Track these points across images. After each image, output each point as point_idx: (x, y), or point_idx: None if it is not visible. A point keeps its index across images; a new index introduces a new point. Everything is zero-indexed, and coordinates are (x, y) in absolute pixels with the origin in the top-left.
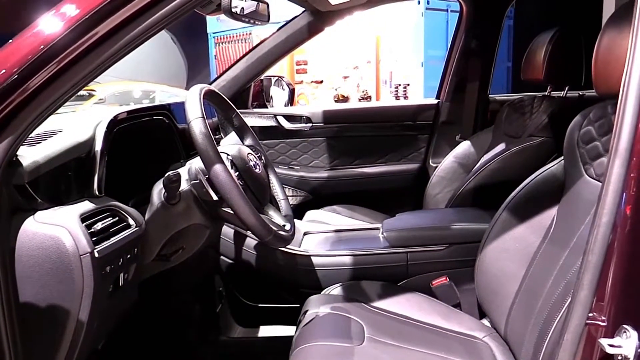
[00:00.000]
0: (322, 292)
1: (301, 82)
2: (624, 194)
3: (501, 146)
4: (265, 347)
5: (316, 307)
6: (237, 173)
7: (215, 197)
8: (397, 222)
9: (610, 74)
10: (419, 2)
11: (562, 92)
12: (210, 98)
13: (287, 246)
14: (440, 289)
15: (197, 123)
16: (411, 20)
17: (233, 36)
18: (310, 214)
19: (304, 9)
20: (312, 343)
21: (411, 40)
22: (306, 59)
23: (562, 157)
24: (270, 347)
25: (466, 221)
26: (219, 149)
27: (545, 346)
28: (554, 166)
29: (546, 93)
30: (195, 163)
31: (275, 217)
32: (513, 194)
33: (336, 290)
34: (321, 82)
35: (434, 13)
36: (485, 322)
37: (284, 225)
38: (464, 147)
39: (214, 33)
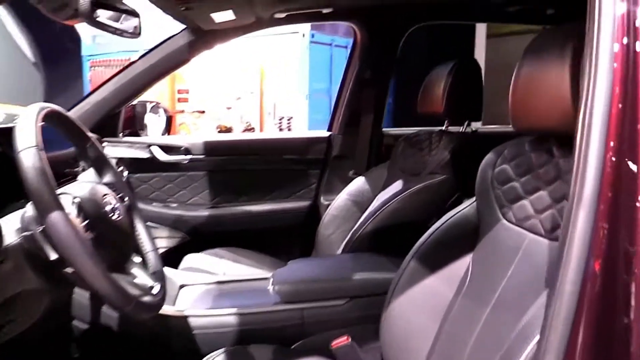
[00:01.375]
0: None
1: (182, 111)
2: (590, 253)
3: (398, 184)
4: None
5: None
6: (86, 222)
7: (53, 256)
8: (289, 272)
9: (530, 109)
10: (303, 35)
11: (461, 127)
12: (54, 122)
13: None
14: (342, 350)
15: (28, 154)
16: (296, 52)
17: (110, 60)
18: (189, 259)
19: (184, 27)
20: None
21: (296, 72)
22: (188, 88)
23: (475, 199)
24: None
25: (368, 270)
26: (63, 189)
27: None
28: (466, 208)
29: (443, 128)
30: (31, 208)
31: (140, 277)
32: (422, 240)
33: (219, 357)
34: (203, 112)
35: (318, 47)
36: None
37: (151, 287)
38: (358, 183)
39: (88, 56)
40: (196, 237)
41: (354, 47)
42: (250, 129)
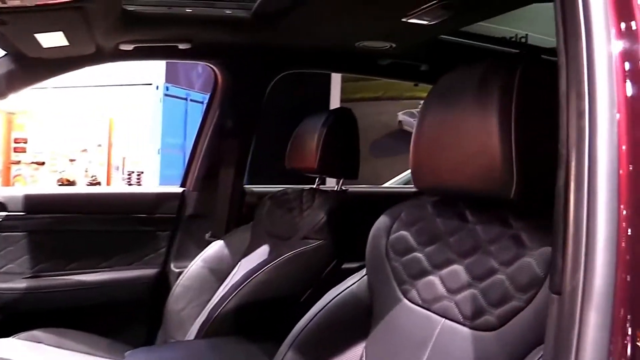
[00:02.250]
0: None
1: (19, 162)
2: None
3: (265, 250)
4: None
5: None
6: None
7: None
8: None
9: (439, 164)
10: (157, 87)
11: (336, 186)
12: None
13: None
14: None
15: None
16: (148, 105)
17: None
18: None
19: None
20: None
21: (148, 126)
22: (26, 137)
23: (364, 272)
24: None
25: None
26: None
27: None
28: (355, 284)
29: (314, 186)
30: None
31: None
32: (300, 325)
33: None
34: (43, 163)
35: (172, 100)
36: None
37: None
38: (216, 248)
39: None
40: (8, 317)
41: (214, 91)
42: (96, 184)
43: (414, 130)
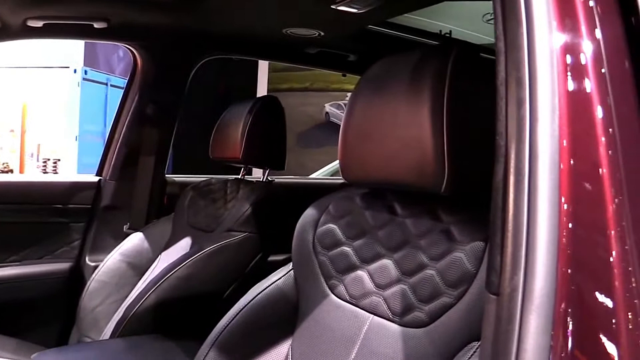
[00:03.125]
0: None
1: None
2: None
3: (187, 242)
4: None
5: None
6: None
7: None
8: None
9: (368, 155)
10: (75, 71)
11: (262, 176)
12: None
13: None
14: None
15: None
16: (65, 89)
17: None
18: None
19: None
20: None
21: (64, 111)
22: None
23: (290, 266)
24: None
25: None
26: None
27: None
28: (281, 279)
29: (239, 176)
30: None
31: None
32: (223, 322)
33: None
34: None
35: (91, 85)
36: None
37: None
38: (135, 240)
39: None
40: None
41: (133, 75)
42: (8, 171)
43: (342, 121)
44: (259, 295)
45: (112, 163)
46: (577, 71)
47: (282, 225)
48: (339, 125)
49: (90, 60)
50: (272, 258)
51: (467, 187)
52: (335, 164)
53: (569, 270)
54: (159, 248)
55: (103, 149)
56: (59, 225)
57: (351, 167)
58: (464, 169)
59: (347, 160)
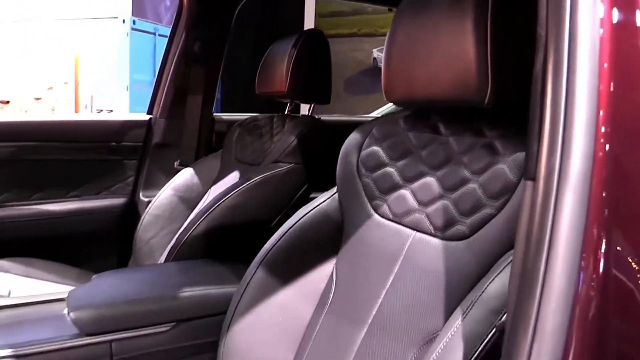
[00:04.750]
0: None
1: None
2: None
3: (235, 175)
4: None
5: None
6: None
7: None
8: (91, 292)
9: (413, 74)
10: (123, 21)
11: (308, 110)
12: None
13: None
14: None
15: None
16: (115, 40)
17: None
18: None
19: None
20: None
21: (115, 62)
22: None
23: (335, 190)
24: None
25: (201, 284)
26: None
27: None
28: (325, 202)
29: (286, 112)
30: None
31: None
32: (269, 243)
33: None
34: (7, 102)
35: (140, 35)
36: None
37: None
38: (185, 176)
39: None
40: None
41: (179, 13)
42: None
43: (385, 43)
44: (303, 218)
45: (162, 102)
46: None
47: (327, 159)
48: None
49: (138, 10)
50: (315, 195)
51: (510, 98)
52: (383, 108)
53: (606, 152)
54: (208, 183)
55: (152, 88)
56: (113, 163)
57: (395, 88)
58: (507, 80)
59: (391, 82)
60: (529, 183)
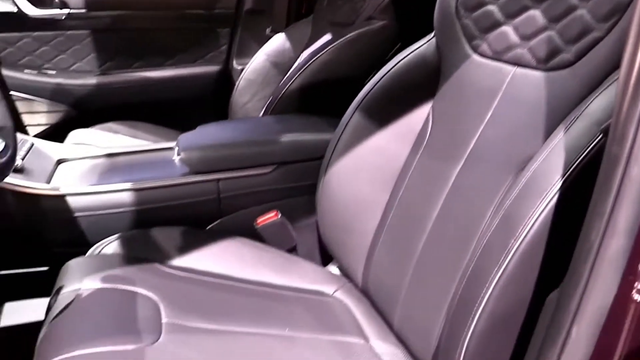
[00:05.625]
0: (89, 252)
1: None
2: None
3: (327, 37)
4: (10, 342)
5: (76, 280)
6: None
7: None
8: (199, 136)
9: None
10: None
11: None
12: None
13: (26, 182)
14: (269, 229)
15: None
16: None
17: None
18: (75, 135)
19: None
20: (67, 354)
21: None
22: None
23: (433, 35)
24: (16, 341)
25: (299, 131)
26: None
27: (459, 296)
28: (422, 47)
29: None
30: None
31: None
32: (367, 88)
33: (111, 246)
34: None
35: None
36: (334, 269)
37: None
38: (277, 41)
39: None
40: (83, 111)
41: None
42: None
43: None
44: (400, 62)
45: None
46: None
47: (422, 17)
48: None
49: None
50: None
51: None
52: None
53: None
54: (300, 48)
55: None
56: (207, 32)
57: None
58: None
59: None
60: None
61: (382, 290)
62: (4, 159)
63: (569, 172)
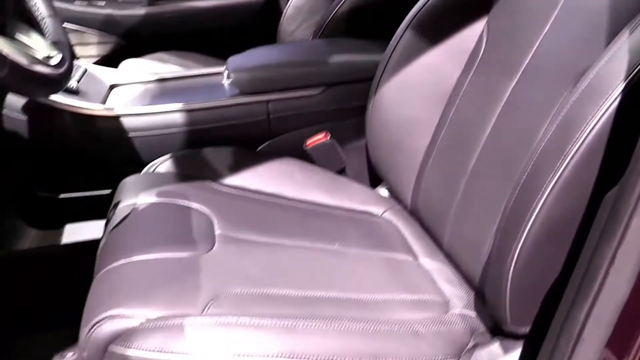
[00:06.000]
0: (144, 171)
1: None
2: None
3: None
4: (72, 257)
5: (133, 195)
6: None
7: None
8: (248, 58)
9: None
10: None
11: None
12: None
13: (82, 103)
14: (319, 150)
15: None
16: None
17: None
18: (126, 64)
19: None
20: (126, 259)
21: None
22: None
23: None
24: (78, 256)
25: (348, 52)
26: None
27: (511, 205)
28: None
29: None
30: None
31: (34, 43)
32: (418, 6)
33: (164, 165)
34: None
35: None
36: (383, 191)
37: (50, 57)
38: None
39: None
40: (132, 41)
41: None
42: None
43: None
44: None
45: None
46: None
47: None
48: None
49: None
50: None
51: None
52: None
53: None
54: None
55: None
56: None
57: None
58: None
59: None
60: None
61: (431, 208)
62: (61, 70)
63: (632, 74)
